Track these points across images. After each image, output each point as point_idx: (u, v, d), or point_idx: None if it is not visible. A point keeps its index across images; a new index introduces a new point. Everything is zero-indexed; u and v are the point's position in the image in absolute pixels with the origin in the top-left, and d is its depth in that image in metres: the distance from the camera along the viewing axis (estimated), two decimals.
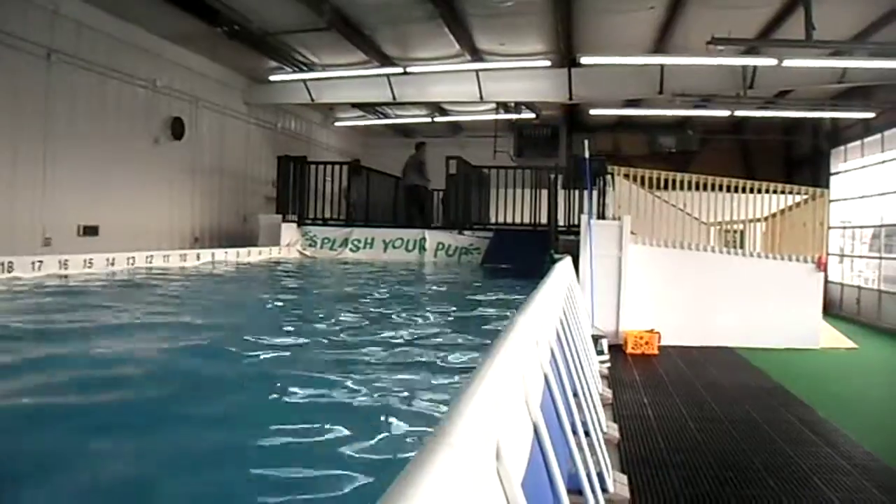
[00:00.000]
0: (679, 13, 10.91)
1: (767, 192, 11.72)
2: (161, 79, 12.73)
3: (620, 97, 15.60)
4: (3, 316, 5.66)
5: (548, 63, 13.25)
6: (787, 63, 11.04)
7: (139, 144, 12.29)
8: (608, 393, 6.91)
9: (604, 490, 3.76)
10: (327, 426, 3.19)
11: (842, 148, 16.78)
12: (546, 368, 2.61)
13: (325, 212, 14.61)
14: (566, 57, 13.08)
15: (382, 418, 3.28)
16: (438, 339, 5.58)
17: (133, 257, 9.64)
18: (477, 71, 13.83)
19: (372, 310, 7.29)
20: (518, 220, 13.83)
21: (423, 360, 4.72)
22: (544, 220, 13.22)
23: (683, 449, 5.60)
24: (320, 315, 6.91)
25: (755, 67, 12.19)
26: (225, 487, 2.63)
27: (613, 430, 5.60)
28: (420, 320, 6.78)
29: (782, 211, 11.96)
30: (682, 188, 11.58)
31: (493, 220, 14.94)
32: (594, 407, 4.67)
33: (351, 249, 13.88)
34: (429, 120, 19.18)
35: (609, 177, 11.76)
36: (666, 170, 11.90)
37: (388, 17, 11.79)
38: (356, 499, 2.45)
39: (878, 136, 14.64)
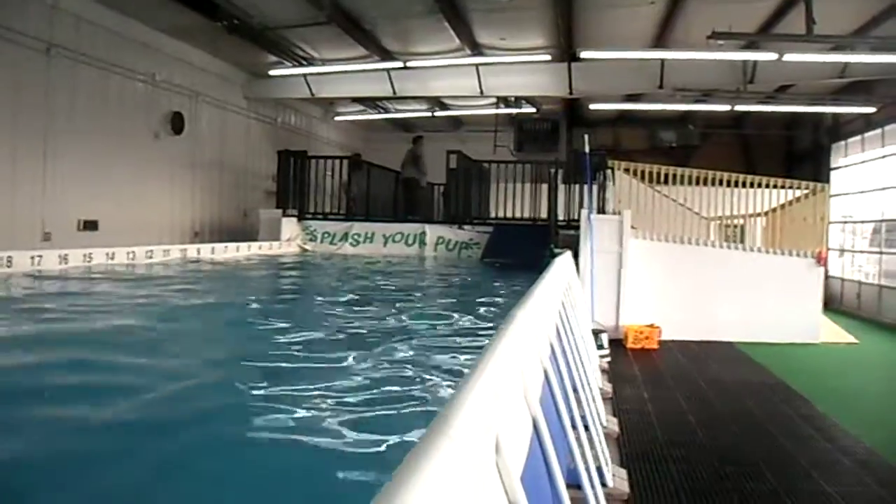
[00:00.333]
0: (679, 7, 10.89)
1: (768, 186, 11.71)
2: (161, 73, 12.72)
3: (621, 92, 15.60)
4: None
5: (548, 57, 13.23)
6: (787, 57, 11.01)
7: (139, 139, 12.29)
8: (608, 387, 6.91)
9: (603, 484, 3.76)
10: None
11: (842, 143, 16.75)
12: (545, 363, 2.61)
13: (325, 206, 14.62)
14: (566, 51, 13.06)
15: None
16: None
17: (133, 252, 9.64)
18: (477, 65, 13.81)
19: None
20: (518, 215, 13.82)
21: None
22: (544, 215, 13.21)
23: (683, 443, 5.61)
24: None
25: (756, 62, 12.18)
26: None
27: (613, 425, 5.60)
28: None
29: (783, 206, 11.95)
30: (682, 183, 11.57)
31: (493, 214, 14.92)
32: (594, 401, 4.68)
33: (351, 244, 13.89)
34: (429, 114, 19.17)
35: (609, 171, 11.74)
36: (666, 164, 11.89)
37: (389, 12, 11.78)
38: None
39: (879, 130, 14.62)
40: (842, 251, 16.33)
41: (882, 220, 14.35)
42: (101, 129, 11.29)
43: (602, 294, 10.37)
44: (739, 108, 15.71)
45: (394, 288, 9.43)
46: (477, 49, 13.41)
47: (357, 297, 8.01)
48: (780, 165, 18.87)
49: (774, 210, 11.92)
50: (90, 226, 10.97)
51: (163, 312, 6.11)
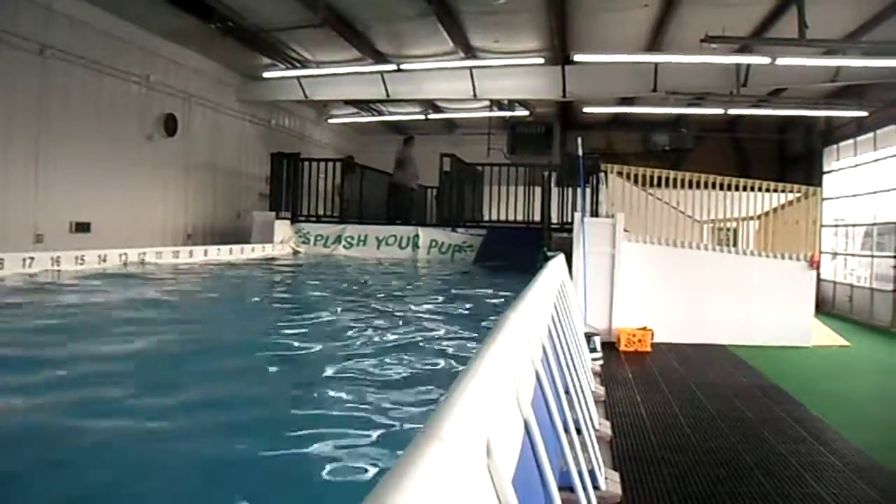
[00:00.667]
0: (673, 11, 10.92)
1: (761, 190, 11.75)
2: (154, 75, 12.69)
3: (614, 95, 15.62)
4: None
5: (541, 60, 13.25)
6: (780, 61, 11.07)
7: (132, 141, 12.25)
8: (601, 390, 6.92)
9: (595, 487, 3.77)
10: None
11: (835, 146, 16.82)
12: (538, 366, 2.61)
13: (318, 209, 14.58)
14: (560, 54, 13.07)
15: None
16: None
17: (125, 254, 9.61)
18: (471, 68, 13.81)
19: None
20: (512, 218, 13.82)
21: None
22: (538, 218, 13.23)
23: (675, 446, 5.62)
24: None
25: (749, 66, 12.21)
26: None
27: (606, 428, 5.60)
28: None
29: (775, 209, 11.99)
30: (675, 186, 11.60)
31: (486, 217, 14.93)
32: (586, 404, 4.68)
33: (344, 246, 13.86)
34: (423, 117, 19.17)
35: (602, 174, 11.76)
36: (659, 167, 11.94)
37: (382, 14, 11.78)
38: None
39: (871, 134, 14.69)
40: (834, 254, 16.38)
41: (874, 224, 14.41)
42: (95, 130, 11.25)
43: (595, 297, 10.39)
44: (732, 111, 15.78)
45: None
46: (470, 52, 13.42)
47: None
48: (772, 169, 18.92)
49: (767, 213, 11.96)
50: (82, 228, 10.92)
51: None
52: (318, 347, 5.20)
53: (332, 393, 3.92)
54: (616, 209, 11.15)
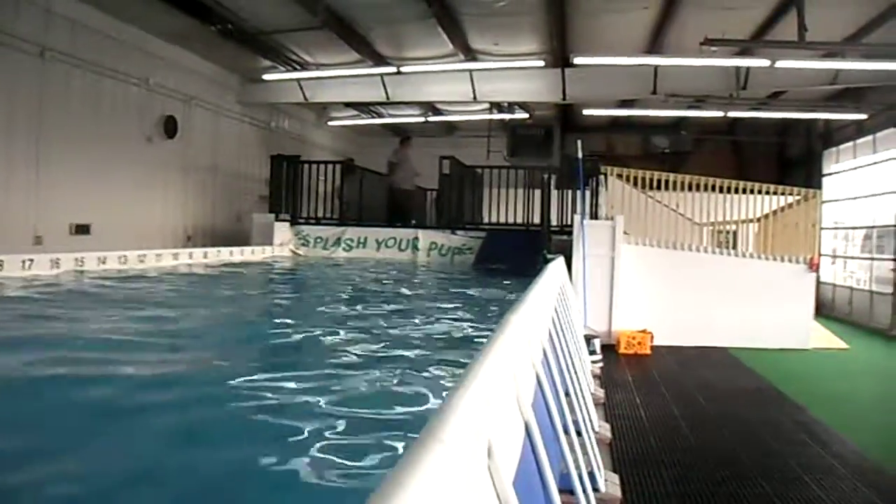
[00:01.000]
0: (672, 14, 10.92)
1: (760, 192, 11.76)
2: (154, 77, 12.69)
3: (614, 97, 15.62)
4: None
5: (541, 63, 13.25)
6: (779, 64, 11.08)
7: (132, 143, 12.25)
8: (600, 393, 6.92)
9: (595, 490, 3.77)
10: None
11: (834, 149, 16.84)
12: (538, 368, 2.61)
13: (318, 211, 14.57)
14: (560, 57, 13.08)
15: None
16: None
17: (125, 256, 9.60)
18: (470, 71, 13.82)
19: None
20: (511, 220, 13.83)
21: None
22: (537, 221, 13.23)
23: (675, 449, 5.62)
24: None
25: (748, 68, 12.22)
26: None
27: (605, 430, 5.60)
28: None
29: (775, 212, 12.00)
30: (675, 188, 11.61)
31: (486, 219, 14.92)
32: (586, 407, 4.68)
33: (344, 249, 13.86)
34: (422, 120, 19.15)
35: (602, 177, 11.77)
36: (659, 170, 11.94)
37: (382, 17, 11.78)
38: None
39: (871, 137, 14.70)
40: (834, 257, 16.39)
41: (873, 227, 14.42)
42: (95, 132, 11.25)
43: (595, 299, 10.40)
44: (732, 114, 15.78)
45: None
46: (470, 54, 13.43)
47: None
48: (772, 171, 18.94)
49: (767, 216, 11.97)
50: (82, 230, 10.92)
51: None
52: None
53: None
54: (616, 212, 11.16)
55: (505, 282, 9.93)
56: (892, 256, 13.50)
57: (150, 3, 10.72)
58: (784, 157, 20.17)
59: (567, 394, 3.78)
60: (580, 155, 10.77)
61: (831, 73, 11.88)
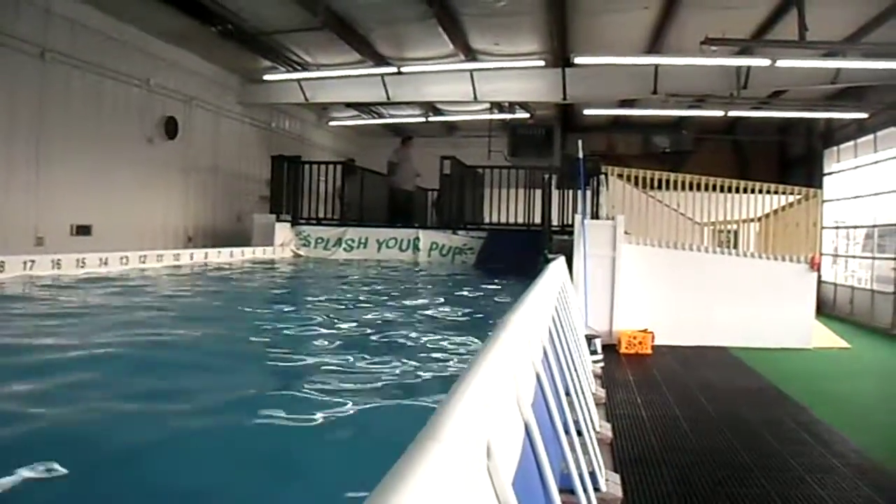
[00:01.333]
0: (673, 13, 10.92)
1: (761, 192, 11.75)
2: (155, 78, 12.70)
3: (614, 97, 15.60)
4: None
5: (542, 63, 13.26)
6: (780, 63, 11.07)
7: (133, 144, 12.26)
8: (601, 392, 6.91)
9: (596, 489, 3.76)
10: None
11: (835, 148, 16.83)
12: (538, 367, 2.60)
13: (318, 211, 14.58)
14: (560, 57, 13.08)
15: None
16: None
17: (126, 257, 9.61)
18: (471, 71, 13.83)
19: None
20: (512, 220, 13.83)
21: None
22: (538, 220, 13.23)
23: (676, 448, 5.61)
24: None
25: (749, 68, 12.22)
26: None
27: (606, 430, 5.59)
28: None
29: (776, 211, 11.98)
30: (675, 188, 11.60)
31: (487, 219, 14.92)
32: (587, 406, 4.67)
33: (345, 249, 13.86)
34: (423, 120, 19.16)
35: (603, 177, 11.76)
36: (660, 170, 11.92)
37: (383, 17, 11.79)
38: None
39: (871, 136, 14.69)
40: (835, 256, 16.38)
41: (875, 226, 14.41)
42: (95, 133, 11.26)
43: (595, 299, 10.39)
44: (733, 113, 15.78)
45: None
46: (471, 54, 13.43)
47: None
48: (773, 171, 18.92)
49: (768, 215, 11.95)
50: (83, 231, 10.93)
51: None
52: None
53: None
54: (616, 211, 11.15)
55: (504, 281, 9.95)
56: (893, 255, 13.50)
57: (151, 4, 10.74)
58: (785, 157, 20.17)
59: (568, 393, 3.78)
60: (581, 155, 10.77)
61: (832, 72, 11.87)
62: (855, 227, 15.55)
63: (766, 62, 11.22)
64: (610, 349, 9.73)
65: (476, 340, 5.25)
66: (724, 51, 11.10)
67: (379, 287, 9.79)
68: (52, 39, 10.28)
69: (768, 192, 11.79)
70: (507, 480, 1.44)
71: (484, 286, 10.09)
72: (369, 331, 5.91)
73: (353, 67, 14.22)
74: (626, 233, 10.84)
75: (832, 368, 9.91)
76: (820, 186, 14.91)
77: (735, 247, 11.87)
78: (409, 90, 14.74)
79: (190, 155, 13.95)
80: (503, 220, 14.00)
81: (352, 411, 3.37)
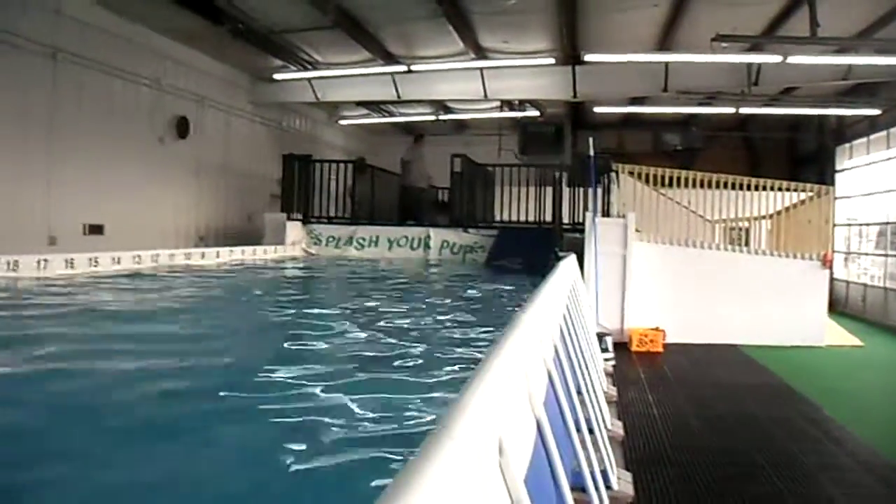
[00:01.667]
0: (683, 10, 10.89)
1: (772, 189, 11.70)
2: (166, 78, 12.75)
3: (625, 95, 15.59)
4: None
5: (552, 61, 13.24)
6: (791, 60, 11.01)
7: (144, 143, 12.32)
8: (612, 390, 6.91)
9: (608, 487, 3.76)
10: None
11: (847, 145, 16.73)
12: (549, 365, 2.61)
13: (329, 210, 14.60)
14: (570, 55, 13.05)
15: None
16: None
17: (139, 256, 9.66)
18: (481, 69, 13.82)
19: None
20: (523, 218, 13.81)
21: None
22: (549, 218, 13.22)
23: (688, 447, 5.61)
24: None
25: (760, 64, 12.16)
26: None
27: (618, 428, 5.59)
28: None
29: (787, 208, 11.93)
30: (686, 186, 11.56)
31: (497, 218, 14.91)
32: (598, 404, 4.67)
33: (356, 247, 13.88)
34: (433, 118, 19.17)
35: (614, 174, 11.74)
36: (670, 167, 11.90)
37: (393, 16, 11.80)
38: None
39: (884, 132, 14.59)
40: (847, 254, 16.30)
41: (888, 223, 14.32)
42: (107, 133, 11.31)
43: (606, 297, 10.38)
44: (744, 110, 15.71)
45: None
46: (481, 52, 13.42)
47: None
48: (784, 168, 18.83)
49: (779, 213, 11.90)
50: (96, 230, 10.98)
51: None
52: None
53: None
54: (627, 209, 11.12)
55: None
56: None
57: (161, 4, 10.77)
58: (796, 154, 20.07)
59: (579, 392, 3.78)
60: (592, 152, 10.75)
61: (843, 68, 11.81)
62: (868, 224, 15.47)
63: (777, 59, 11.16)
64: (621, 347, 9.72)
65: None
66: (735, 47, 11.06)
67: None
68: (63, 40, 10.33)
69: (780, 189, 11.75)
70: (520, 478, 1.45)
71: None
72: None
73: (364, 66, 14.23)
74: (637, 230, 10.82)
75: (844, 366, 9.87)
76: (832, 183, 14.84)
77: (746, 244, 11.84)
78: (420, 88, 14.74)
79: (201, 154, 14.00)
80: (514, 218, 13.98)
81: None
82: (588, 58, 12.42)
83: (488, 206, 15.30)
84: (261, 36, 12.44)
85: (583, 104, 17.11)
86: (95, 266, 8.82)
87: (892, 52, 10.65)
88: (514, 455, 1.48)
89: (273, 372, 4.10)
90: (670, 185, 11.55)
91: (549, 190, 13.40)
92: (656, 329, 10.29)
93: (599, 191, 11.29)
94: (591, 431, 3.68)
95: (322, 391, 3.80)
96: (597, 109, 17.30)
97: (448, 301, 8.35)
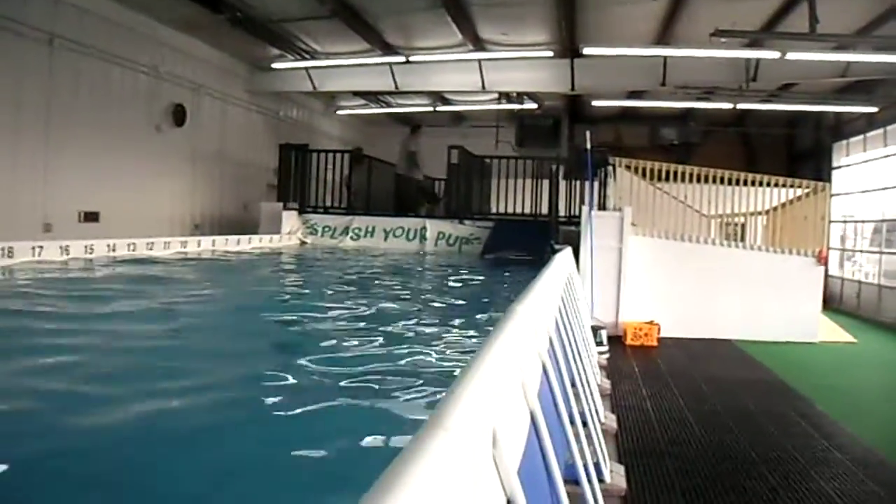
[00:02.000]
0: (682, 5, 10.88)
1: (769, 185, 11.71)
2: (163, 65, 12.71)
3: (623, 88, 15.58)
4: None
5: (550, 53, 13.22)
6: (790, 56, 11.01)
7: (141, 131, 12.28)
8: (607, 384, 6.92)
9: (601, 480, 3.77)
10: None
11: (844, 142, 16.74)
12: (544, 357, 2.61)
13: (326, 200, 14.59)
14: (569, 48, 13.04)
15: None
16: None
17: (134, 243, 9.63)
18: (479, 60, 13.80)
19: None
20: (519, 211, 13.80)
21: None
22: (545, 211, 13.21)
23: (681, 440, 5.62)
24: None
25: (758, 60, 12.15)
26: None
27: (611, 421, 5.61)
28: None
29: (783, 204, 11.94)
30: (683, 180, 11.56)
31: (494, 209, 14.90)
32: (592, 397, 4.68)
33: (352, 238, 13.87)
34: (431, 109, 19.13)
35: (610, 168, 11.74)
36: (667, 162, 11.89)
37: (391, 6, 11.77)
38: None
39: (881, 130, 14.60)
40: (842, 251, 16.33)
41: (883, 220, 14.34)
42: (103, 120, 11.27)
43: (602, 290, 10.39)
44: (741, 106, 15.69)
45: None
46: (479, 44, 13.40)
47: None
48: (781, 164, 18.85)
49: (775, 209, 11.91)
50: (91, 217, 10.96)
51: None
52: None
53: None
54: (623, 203, 11.14)
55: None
56: None
57: None
58: (793, 150, 20.09)
59: (573, 384, 3.78)
60: (589, 146, 10.74)
61: (842, 65, 11.81)
62: (863, 221, 15.49)
63: (775, 54, 11.15)
64: (616, 340, 9.74)
65: None
66: (734, 43, 11.06)
67: None
68: (60, 26, 10.28)
69: (776, 185, 11.75)
70: (513, 469, 1.44)
71: None
72: None
73: (362, 56, 14.21)
74: (633, 224, 10.82)
75: (838, 362, 9.90)
76: (828, 180, 14.86)
77: (742, 240, 11.86)
78: (417, 79, 14.72)
79: (197, 143, 13.96)
80: (510, 210, 13.96)
81: None
82: (587, 51, 12.41)
83: (485, 197, 15.28)
84: (259, 25, 12.41)
85: (580, 97, 17.10)
86: (91, 253, 8.80)
87: (890, 50, 10.65)
88: (508, 447, 1.47)
89: None
90: (667, 179, 11.54)
91: (546, 183, 13.37)
92: (651, 323, 10.30)
93: (596, 184, 11.28)
94: (584, 424, 3.68)
95: None
96: (595, 103, 17.29)
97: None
